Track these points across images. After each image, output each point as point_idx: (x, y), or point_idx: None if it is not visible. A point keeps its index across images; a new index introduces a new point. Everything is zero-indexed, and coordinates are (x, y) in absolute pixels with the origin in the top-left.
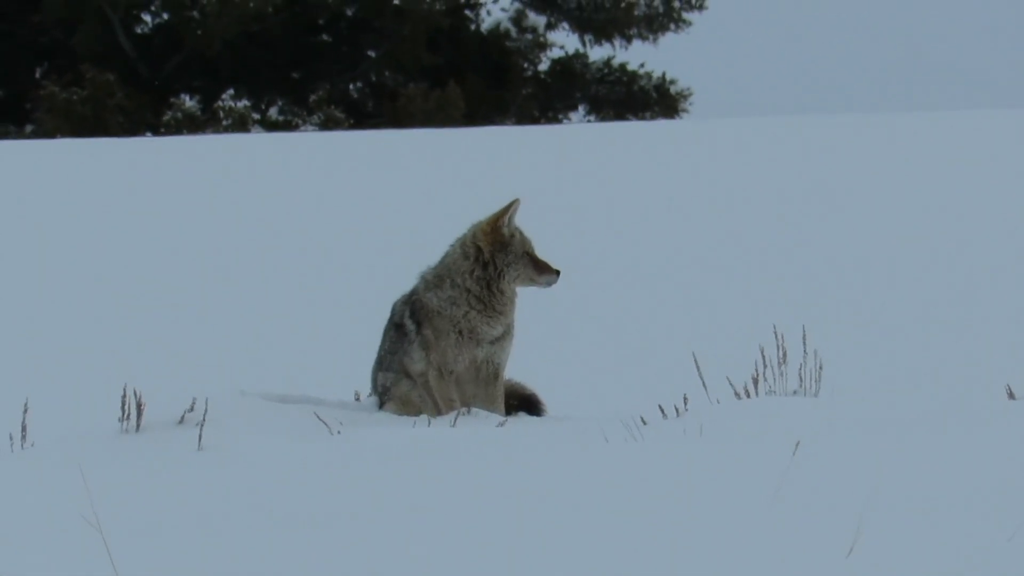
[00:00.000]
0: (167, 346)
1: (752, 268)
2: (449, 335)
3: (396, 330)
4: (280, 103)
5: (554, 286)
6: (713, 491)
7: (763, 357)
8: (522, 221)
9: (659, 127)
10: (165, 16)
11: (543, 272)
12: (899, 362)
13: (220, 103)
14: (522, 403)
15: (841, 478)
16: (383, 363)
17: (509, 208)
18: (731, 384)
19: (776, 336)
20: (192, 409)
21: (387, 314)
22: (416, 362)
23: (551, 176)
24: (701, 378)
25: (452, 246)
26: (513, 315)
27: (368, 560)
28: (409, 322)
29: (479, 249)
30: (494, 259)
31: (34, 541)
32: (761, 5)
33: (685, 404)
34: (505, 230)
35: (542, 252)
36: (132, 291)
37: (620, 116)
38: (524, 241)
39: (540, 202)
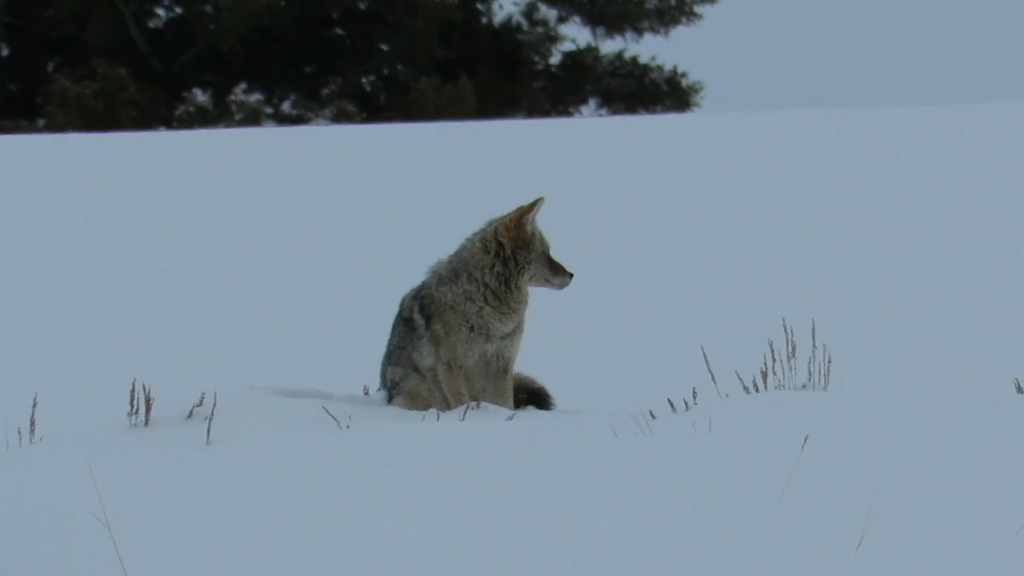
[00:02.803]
0: (176, 342)
1: (762, 262)
2: (460, 330)
3: (405, 325)
4: (292, 97)
5: (565, 289)
6: (722, 485)
7: (772, 351)
8: (535, 216)
9: (670, 121)
10: (178, 10)
11: (558, 274)
12: (908, 356)
13: (232, 97)
14: (531, 397)
15: (850, 472)
16: (392, 358)
17: (535, 205)
18: (740, 378)
19: (785, 330)
20: (201, 404)
21: (396, 308)
22: (425, 357)
23: (562, 170)
24: (710, 372)
25: (469, 240)
26: (524, 313)
27: (375, 555)
28: (418, 317)
29: (500, 244)
30: (515, 256)
31: (42, 536)
32: None
33: (694, 398)
34: (529, 227)
35: (554, 246)
36: (142, 287)
37: (631, 110)
38: (543, 241)
39: (550, 196)
